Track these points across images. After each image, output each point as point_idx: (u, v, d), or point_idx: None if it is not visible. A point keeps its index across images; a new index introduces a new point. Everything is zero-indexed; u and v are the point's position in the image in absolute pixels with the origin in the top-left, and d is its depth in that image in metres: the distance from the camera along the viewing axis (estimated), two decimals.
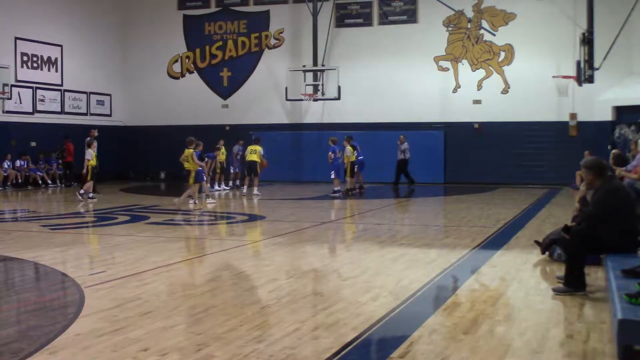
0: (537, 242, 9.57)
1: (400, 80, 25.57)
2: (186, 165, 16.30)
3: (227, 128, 27.33)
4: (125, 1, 29.18)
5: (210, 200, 16.77)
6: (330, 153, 20.04)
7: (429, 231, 12.42)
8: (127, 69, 29.18)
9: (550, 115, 24.04)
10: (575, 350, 4.96)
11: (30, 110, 24.67)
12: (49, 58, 25.57)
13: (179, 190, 17.10)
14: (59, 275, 7.97)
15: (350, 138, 20.13)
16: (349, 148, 19.60)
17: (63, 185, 24.23)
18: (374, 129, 25.55)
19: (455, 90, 25.41)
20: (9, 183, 22.79)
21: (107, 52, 28.30)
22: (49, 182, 24.24)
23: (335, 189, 19.69)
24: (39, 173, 23.97)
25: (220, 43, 28.35)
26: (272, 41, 27.62)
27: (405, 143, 23.67)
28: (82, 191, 17.82)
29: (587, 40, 21.25)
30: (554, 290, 6.81)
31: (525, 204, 17.09)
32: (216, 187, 21.67)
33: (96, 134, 20.75)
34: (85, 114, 27.26)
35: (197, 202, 16.37)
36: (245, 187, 20.20)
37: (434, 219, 15.00)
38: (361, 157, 20.54)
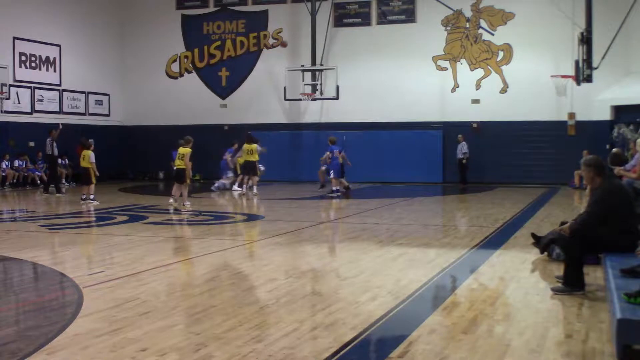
0: (533, 235, 9.58)
1: (398, 80, 25.57)
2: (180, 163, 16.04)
3: (226, 128, 27.32)
4: (124, 1, 29.16)
5: (171, 200, 16.22)
6: (327, 152, 20.12)
7: (428, 231, 12.42)
8: (125, 69, 29.17)
9: (548, 115, 24.05)
10: (574, 350, 4.95)
11: (29, 110, 24.65)
12: (47, 58, 25.55)
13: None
14: (57, 276, 7.96)
15: (332, 141, 20.32)
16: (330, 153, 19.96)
17: (69, 184, 24.44)
18: (372, 129, 25.57)
19: (453, 90, 25.41)
20: (7, 183, 22.77)
21: (105, 52, 28.28)
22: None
23: (334, 188, 19.71)
24: (37, 173, 23.94)
25: (218, 43, 28.33)
26: (271, 41, 27.61)
27: (464, 142, 23.88)
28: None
29: (586, 40, 21.28)
30: (553, 289, 6.81)
31: (524, 203, 17.10)
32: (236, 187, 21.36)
33: (56, 135, 20.63)
34: (84, 114, 27.25)
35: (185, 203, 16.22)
36: (245, 186, 20.09)
37: (432, 219, 15.00)
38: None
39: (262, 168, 21.54)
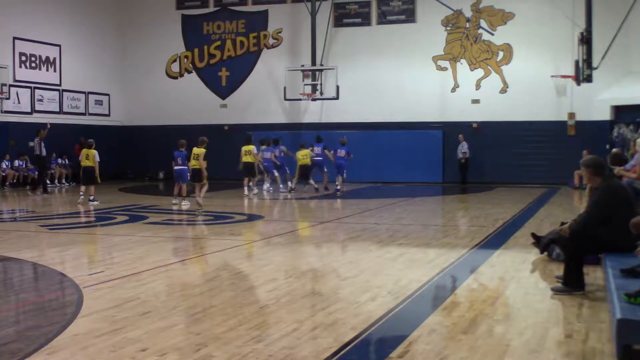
0: (533, 234, 9.58)
1: (398, 80, 25.57)
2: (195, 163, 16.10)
3: (226, 128, 27.33)
4: (124, 1, 29.17)
5: (185, 202, 16.47)
6: (332, 152, 20.46)
7: (428, 231, 12.42)
8: (125, 69, 29.17)
9: (548, 115, 24.05)
10: (574, 350, 4.95)
11: (29, 110, 24.65)
12: (47, 58, 25.54)
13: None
14: (57, 276, 7.96)
15: (343, 142, 20.57)
16: (298, 153, 20.42)
17: (69, 184, 24.55)
18: (372, 129, 25.57)
19: (453, 90, 25.41)
20: (7, 183, 22.76)
21: (105, 52, 28.28)
22: (48, 182, 24.19)
23: (338, 187, 19.92)
24: (37, 173, 23.92)
25: (218, 43, 28.34)
26: (271, 41, 27.62)
27: (464, 142, 23.94)
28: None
29: (586, 40, 21.29)
30: (553, 289, 6.81)
31: (524, 203, 17.10)
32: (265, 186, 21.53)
33: (44, 134, 20.49)
34: (84, 114, 27.25)
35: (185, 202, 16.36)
36: (246, 188, 19.82)
37: (432, 219, 15.00)
38: (319, 159, 21.17)
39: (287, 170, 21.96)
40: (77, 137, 24.50)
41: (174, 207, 16.15)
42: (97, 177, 17.15)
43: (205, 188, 15.90)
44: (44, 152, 20.80)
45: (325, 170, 21.83)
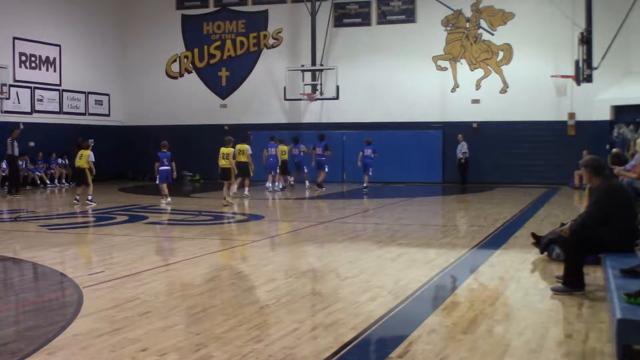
0: (533, 234, 9.58)
1: (398, 80, 25.57)
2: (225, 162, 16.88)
3: (226, 128, 27.28)
4: (124, 1, 29.16)
5: (168, 199, 16.98)
6: (360, 152, 21.10)
7: (428, 231, 12.42)
8: (125, 69, 29.16)
9: (548, 115, 24.04)
10: (574, 350, 4.95)
11: (29, 110, 24.64)
12: (47, 58, 25.53)
13: (177, 190, 17.12)
14: (57, 276, 7.96)
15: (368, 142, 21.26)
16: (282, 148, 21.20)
17: (69, 184, 24.55)
18: (372, 129, 25.54)
19: (453, 90, 25.40)
20: (7, 183, 22.72)
21: (105, 52, 28.27)
22: (48, 182, 24.23)
23: (364, 186, 20.86)
24: (37, 173, 23.94)
25: (218, 43, 28.33)
26: (271, 41, 27.61)
27: (464, 142, 24.08)
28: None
29: (586, 40, 21.29)
30: (553, 289, 6.82)
31: (524, 203, 17.10)
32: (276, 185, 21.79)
33: (17, 134, 20.29)
34: (84, 114, 27.25)
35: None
36: (247, 188, 19.57)
37: (432, 219, 15.00)
38: (323, 159, 21.93)
39: (305, 170, 22.25)
40: (77, 137, 24.49)
41: (168, 208, 16.21)
42: (88, 177, 16.80)
43: (233, 186, 16.74)
44: (16, 152, 20.52)
45: (326, 169, 21.94)
